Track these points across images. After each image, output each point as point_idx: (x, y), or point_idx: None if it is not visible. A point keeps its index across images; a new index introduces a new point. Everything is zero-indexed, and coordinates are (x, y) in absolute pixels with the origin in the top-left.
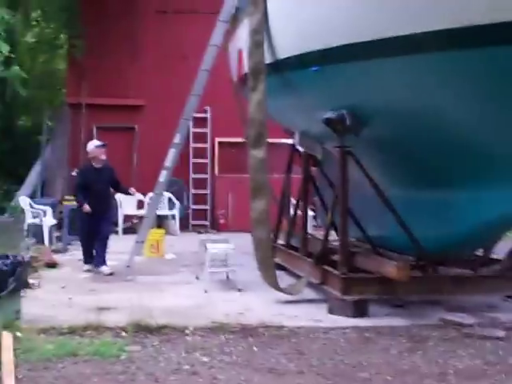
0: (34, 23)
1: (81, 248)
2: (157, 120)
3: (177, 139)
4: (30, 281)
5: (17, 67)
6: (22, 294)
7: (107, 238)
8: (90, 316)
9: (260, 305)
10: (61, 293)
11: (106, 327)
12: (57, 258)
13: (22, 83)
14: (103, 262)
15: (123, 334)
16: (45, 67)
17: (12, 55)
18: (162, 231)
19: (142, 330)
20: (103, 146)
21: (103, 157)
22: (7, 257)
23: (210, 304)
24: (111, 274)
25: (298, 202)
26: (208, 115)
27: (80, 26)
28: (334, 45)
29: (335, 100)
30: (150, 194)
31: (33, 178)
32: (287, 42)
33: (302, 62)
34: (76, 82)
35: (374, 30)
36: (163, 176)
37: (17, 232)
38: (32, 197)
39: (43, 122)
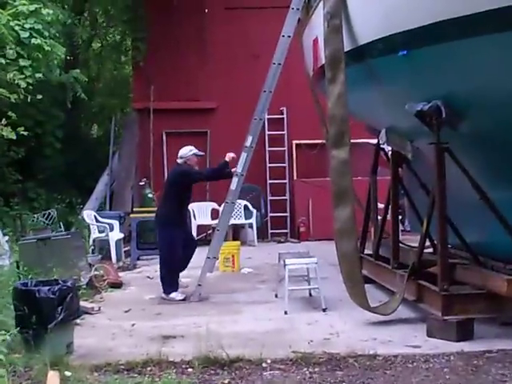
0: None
1: (164, 272)
2: (230, 123)
3: (248, 142)
4: (90, 305)
5: (77, 70)
6: (76, 323)
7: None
8: (153, 347)
9: (348, 327)
10: (123, 318)
11: (170, 361)
12: (123, 275)
13: (83, 88)
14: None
15: (189, 369)
16: (113, 74)
17: (69, 57)
18: (237, 243)
19: (211, 364)
20: (201, 156)
21: (196, 167)
22: (56, 282)
23: (291, 328)
24: (184, 299)
25: (386, 206)
26: (284, 116)
27: (144, 27)
28: (425, 23)
29: (428, 89)
30: None
31: (99, 190)
32: (369, 24)
33: (387, 46)
34: (143, 86)
35: (473, 2)
36: (234, 183)
37: (76, 250)
38: (100, 209)
39: (110, 129)
